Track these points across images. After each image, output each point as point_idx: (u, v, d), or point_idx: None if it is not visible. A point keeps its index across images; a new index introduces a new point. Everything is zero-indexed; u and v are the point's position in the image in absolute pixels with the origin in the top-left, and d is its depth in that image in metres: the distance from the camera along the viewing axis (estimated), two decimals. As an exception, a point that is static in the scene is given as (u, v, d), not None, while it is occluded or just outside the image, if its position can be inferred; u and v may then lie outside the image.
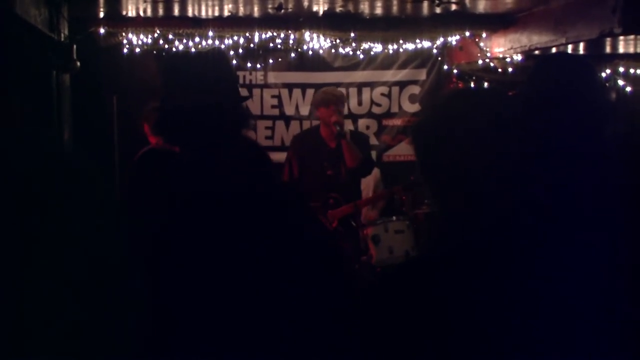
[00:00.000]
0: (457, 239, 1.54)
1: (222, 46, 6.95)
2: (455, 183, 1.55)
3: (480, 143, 1.52)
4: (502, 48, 7.05)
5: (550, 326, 1.43)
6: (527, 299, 1.44)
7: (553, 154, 1.68)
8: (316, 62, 7.61)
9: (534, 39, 6.36)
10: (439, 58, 7.68)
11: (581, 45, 6.23)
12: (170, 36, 6.87)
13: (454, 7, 6.29)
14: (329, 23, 6.90)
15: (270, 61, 7.53)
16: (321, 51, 7.48)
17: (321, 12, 6.66)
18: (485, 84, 7.01)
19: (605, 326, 1.46)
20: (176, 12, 6.59)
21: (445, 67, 7.64)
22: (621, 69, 6.81)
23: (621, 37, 5.91)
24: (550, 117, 2.15)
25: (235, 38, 6.97)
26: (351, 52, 7.53)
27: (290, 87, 7.65)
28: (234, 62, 7.25)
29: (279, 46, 7.29)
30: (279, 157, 6.08)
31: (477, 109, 1.57)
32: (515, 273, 1.45)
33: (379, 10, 6.67)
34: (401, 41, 7.37)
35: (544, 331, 1.43)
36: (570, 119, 2.20)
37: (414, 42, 7.38)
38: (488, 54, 7.19)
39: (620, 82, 6.78)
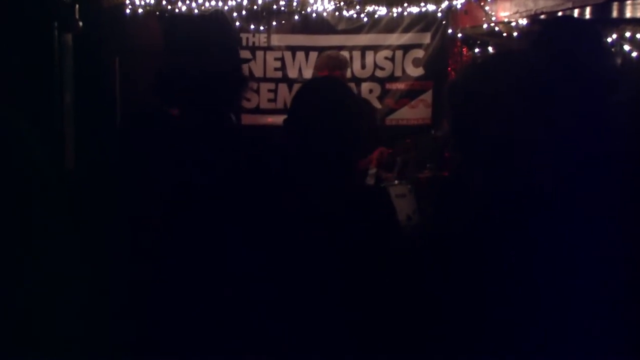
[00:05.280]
0: (475, 208, 1.56)
1: (226, 7, 6.89)
2: (481, 142, 1.57)
3: (504, 106, 1.53)
4: (507, 12, 6.97)
5: (556, 301, 1.45)
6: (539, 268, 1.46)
7: (560, 120, 1.67)
8: (320, 25, 7.53)
9: (540, 3, 6.29)
10: (444, 22, 7.61)
11: (587, 10, 6.17)
12: (174, -3, 6.82)
13: (459, -31, 6.23)
14: (333, -15, 6.84)
15: (274, 23, 7.46)
16: (325, 14, 7.42)
17: (325, -26, 6.60)
18: (491, 49, 6.96)
19: (610, 309, 1.47)
20: (179, -28, 6.53)
21: (450, 31, 7.57)
22: (627, 34, 6.74)
23: (628, 1, 5.85)
24: (556, 82, 2.13)
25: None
26: (355, 15, 7.46)
27: (293, 49, 7.59)
28: (237, 23, 7.20)
29: (282, 8, 7.24)
30: (282, 120, 6.05)
31: (506, 72, 1.58)
32: (530, 239, 1.47)
33: (383, -28, 6.61)
34: (406, 4, 7.30)
35: (550, 305, 1.45)
36: (576, 85, 2.19)
37: (419, 5, 7.32)
38: (493, 18, 7.12)
39: (627, 48, 6.72)
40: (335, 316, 2.00)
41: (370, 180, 6.65)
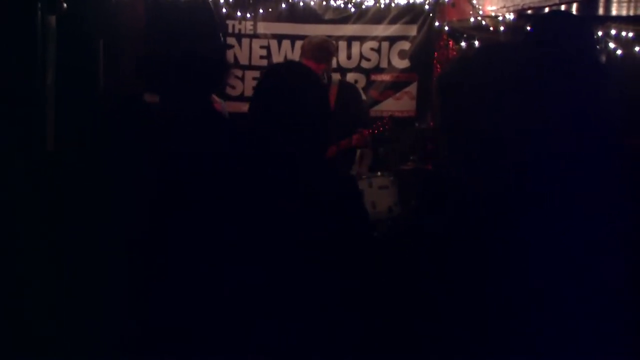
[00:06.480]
0: (463, 205, 1.56)
1: (212, -7, 6.85)
2: (471, 136, 1.56)
3: (495, 100, 1.52)
4: (494, 6, 6.98)
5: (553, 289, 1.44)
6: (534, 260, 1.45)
7: (550, 114, 1.67)
8: (307, 14, 7.51)
9: (527, -2, 6.30)
10: (431, 14, 7.61)
11: (574, 6, 6.19)
12: (160, -19, 6.76)
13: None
14: (320, -26, 6.82)
15: (261, 11, 7.43)
16: (312, 3, 7.41)
17: (313, -37, 6.57)
18: (477, 43, 6.97)
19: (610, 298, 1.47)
20: (166, -44, 6.46)
21: (437, 23, 7.57)
22: (613, 32, 6.76)
23: (615, -1, 5.87)
24: (547, 75, 2.13)
25: (226, -14, 6.88)
26: (342, 5, 7.45)
27: (279, 38, 7.57)
28: (224, 10, 7.16)
29: (269, -4, 7.22)
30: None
31: (497, 65, 1.57)
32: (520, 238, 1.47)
33: (372, -37, 6.59)
34: (393, -4, 7.30)
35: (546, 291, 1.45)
36: (566, 79, 2.18)
37: (406, -3, 7.32)
38: (480, 12, 7.12)
39: (612, 45, 6.74)
40: (309, 311, 1.99)
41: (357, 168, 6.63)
